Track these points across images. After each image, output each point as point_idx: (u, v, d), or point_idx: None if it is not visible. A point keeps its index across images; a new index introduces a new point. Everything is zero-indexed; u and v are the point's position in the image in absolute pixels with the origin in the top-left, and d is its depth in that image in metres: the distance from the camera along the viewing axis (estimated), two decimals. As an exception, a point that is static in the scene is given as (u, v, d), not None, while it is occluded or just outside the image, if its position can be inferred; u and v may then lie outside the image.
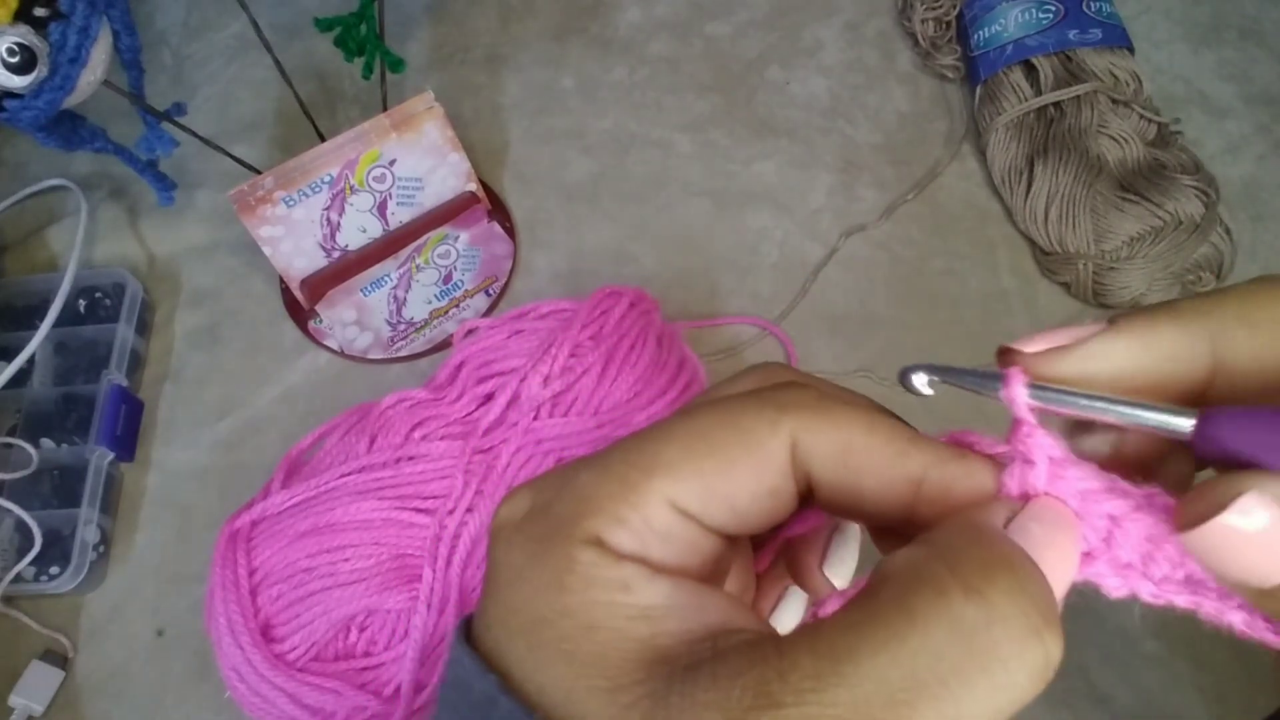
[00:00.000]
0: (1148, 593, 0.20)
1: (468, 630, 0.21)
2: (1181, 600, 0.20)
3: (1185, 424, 0.20)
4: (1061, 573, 0.19)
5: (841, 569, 0.23)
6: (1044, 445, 0.20)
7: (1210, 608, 0.20)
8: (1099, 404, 0.20)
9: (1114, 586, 0.20)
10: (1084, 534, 0.20)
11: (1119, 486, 0.20)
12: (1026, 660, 0.17)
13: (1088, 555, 0.20)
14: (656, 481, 0.20)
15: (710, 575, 0.21)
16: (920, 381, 0.22)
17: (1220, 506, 0.18)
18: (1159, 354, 0.21)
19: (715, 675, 0.17)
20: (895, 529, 0.21)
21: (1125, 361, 0.21)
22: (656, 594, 0.19)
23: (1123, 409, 0.20)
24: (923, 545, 0.19)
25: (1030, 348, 0.21)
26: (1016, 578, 0.18)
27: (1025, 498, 0.20)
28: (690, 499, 0.20)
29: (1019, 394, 0.20)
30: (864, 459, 0.20)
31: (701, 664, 0.18)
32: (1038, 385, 0.21)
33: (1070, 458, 0.20)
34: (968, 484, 0.20)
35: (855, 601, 0.18)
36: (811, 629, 0.18)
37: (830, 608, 0.19)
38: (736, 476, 0.20)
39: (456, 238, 0.56)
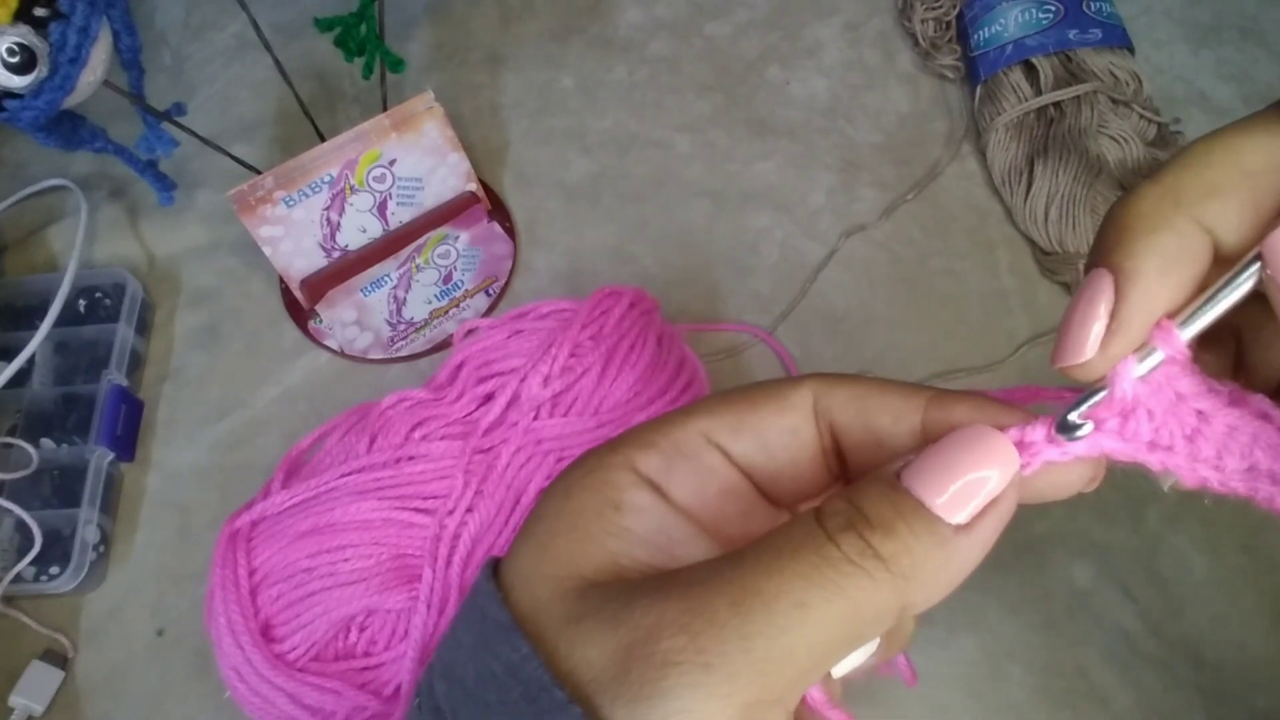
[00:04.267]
0: (1216, 481, 0.23)
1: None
2: (1241, 487, 0.22)
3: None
4: (960, 491, 0.21)
5: (845, 664, 0.25)
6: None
7: (1264, 493, 0.22)
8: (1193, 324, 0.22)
9: (1187, 475, 0.23)
10: (1171, 429, 0.22)
11: (1212, 386, 0.22)
12: (854, 548, 0.21)
13: (1168, 449, 0.23)
14: (693, 419, 0.24)
15: (720, 526, 0.24)
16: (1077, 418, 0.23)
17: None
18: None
19: (630, 595, 0.21)
20: None
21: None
22: (640, 523, 0.22)
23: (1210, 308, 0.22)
24: (810, 510, 0.22)
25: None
26: (862, 536, 0.21)
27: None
28: (721, 431, 0.23)
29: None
30: (877, 400, 0.24)
31: (634, 587, 0.21)
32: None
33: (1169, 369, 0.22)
34: (963, 406, 0.23)
35: (755, 539, 0.22)
36: (707, 563, 0.21)
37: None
38: (762, 414, 0.24)
39: (456, 238, 0.56)
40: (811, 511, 0.22)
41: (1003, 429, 0.22)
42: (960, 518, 0.21)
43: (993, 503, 0.22)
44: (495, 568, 0.23)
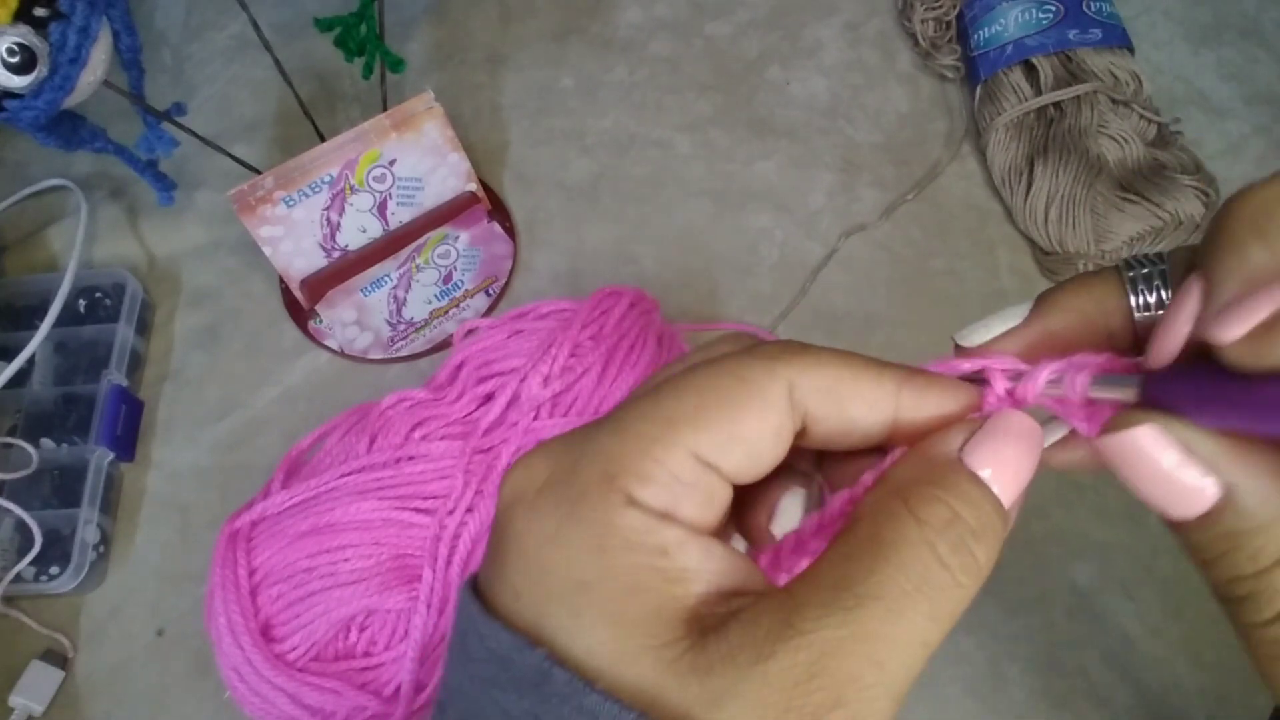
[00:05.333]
0: (1033, 395, 0.23)
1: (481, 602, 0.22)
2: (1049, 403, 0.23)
3: (1129, 393, 0.22)
4: (1010, 477, 0.22)
5: (787, 526, 0.25)
6: (998, 362, 0.23)
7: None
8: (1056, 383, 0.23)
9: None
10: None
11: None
12: (962, 565, 0.20)
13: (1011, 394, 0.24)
14: (679, 434, 0.21)
15: (722, 528, 0.23)
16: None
17: (1130, 426, 0.21)
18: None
19: (742, 622, 0.20)
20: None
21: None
22: (691, 557, 0.21)
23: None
24: (885, 485, 0.22)
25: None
26: (949, 505, 0.21)
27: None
28: (711, 448, 0.21)
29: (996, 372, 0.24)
30: (849, 387, 0.23)
31: (729, 616, 0.20)
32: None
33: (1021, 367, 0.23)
34: (935, 397, 0.23)
35: (837, 542, 0.21)
36: (809, 573, 0.21)
37: (789, 548, 0.23)
38: (747, 421, 0.22)
39: (456, 238, 0.56)
40: (911, 529, 0.21)
41: (976, 407, 0.23)
42: (1009, 503, 0.22)
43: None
44: (534, 653, 0.20)
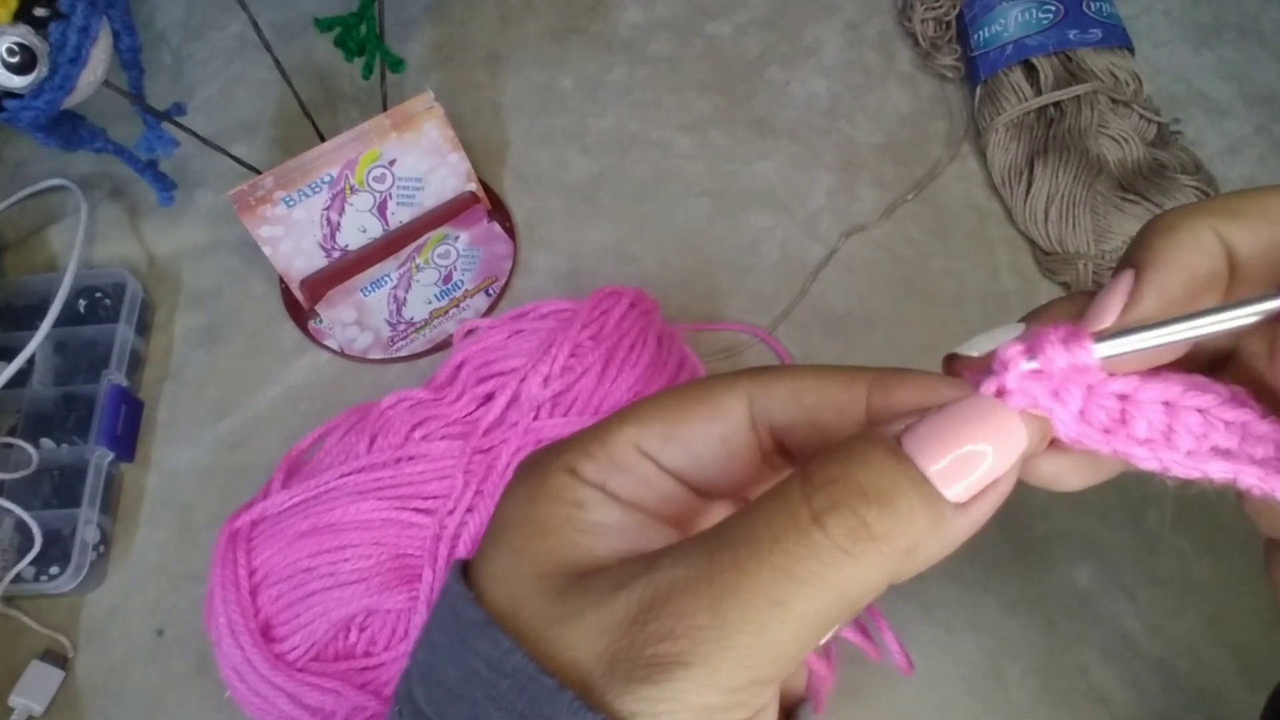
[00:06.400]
0: (1176, 464, 0.22)
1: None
2: (1216, 471, 0.22)
3: (1273, 304, 0.22)
4: (963, 463, 0.21)
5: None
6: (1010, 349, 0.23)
7: (1231, 473, 0.22)
8: (1181, 325, 0.22)
9: (1142, 459, 0.23)
10: (1094, 414, 0.23)
11: (1159, 379, 0.23)
12: (844, 528, 0.20)
13: (1106, 433, 0.22)
14: (625, 427, 0.24)
15: (671, 519, 0.24)
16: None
17: None
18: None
19: (622, 563, 0.22)
20: None
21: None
22: (606, 515, 0.23)
23: (1203, 321, 0.22)
24: (799, 470, 0.21)
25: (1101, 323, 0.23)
26: (842, 465, 0.21)
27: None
28: (650, 441, 0.24)
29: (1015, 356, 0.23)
30: (815, 396, 0.24)
31: (615, 578, 0.21)
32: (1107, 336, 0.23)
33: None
34: (905, 390, 0.23)
35: (736, 513, 0.21)
36: (695, 535, 0.22)
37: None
38: (691, 423, 0.24)
39: (456, 238, 0.56)
40: (794, 485, 0.21)
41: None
42: (958, 494, 0.21)
43: (994, 483, 0.21)
44: (464, 570, 0.24)
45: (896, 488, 0.20)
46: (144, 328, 0.56)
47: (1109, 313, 0.23)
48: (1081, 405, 0.22)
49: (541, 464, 0.24)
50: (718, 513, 0.26)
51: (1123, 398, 0.23)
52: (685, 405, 0.24)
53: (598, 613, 0.20)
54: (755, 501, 0.21)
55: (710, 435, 0.24)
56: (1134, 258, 0.24)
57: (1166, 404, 0.22)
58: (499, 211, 0.59)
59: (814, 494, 0.20)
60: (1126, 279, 0.23)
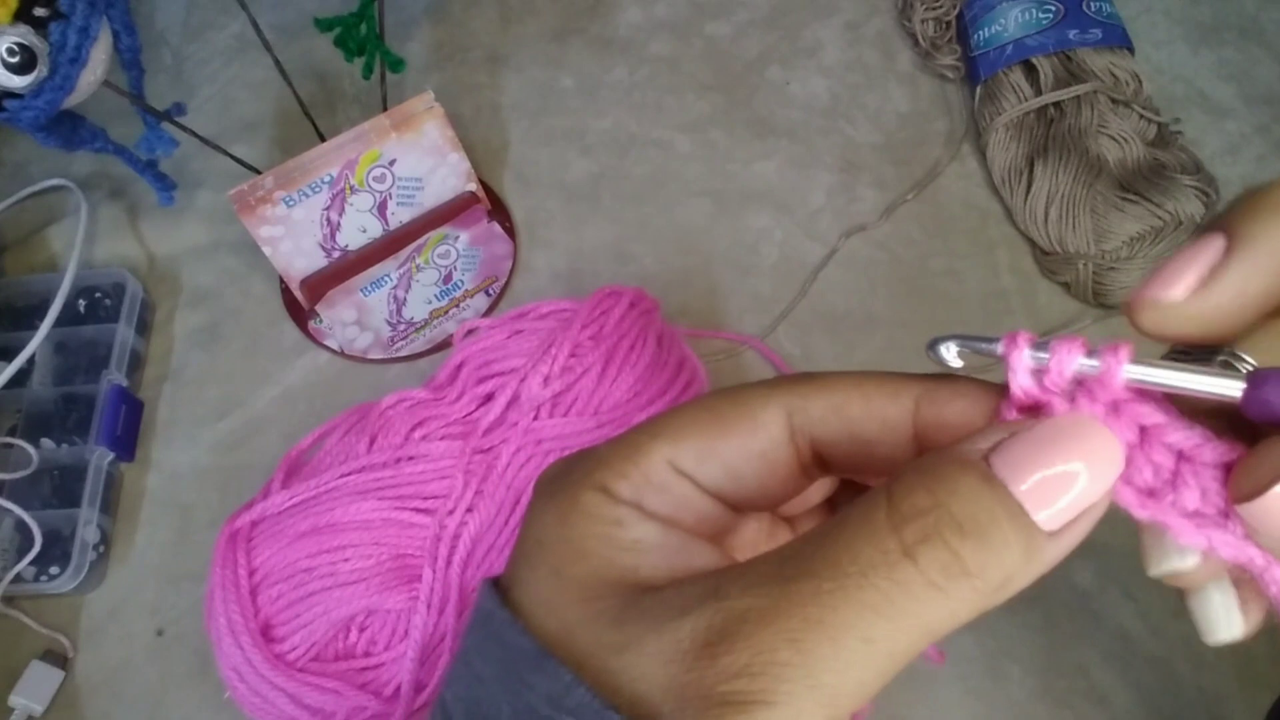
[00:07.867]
0: (1223, 544, 0.19)
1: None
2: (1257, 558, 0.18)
3: (1233, 387, 0.18)
4: (1054, 489, 0.19)
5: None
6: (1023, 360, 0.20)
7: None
8: (1145, 370, 0.19)
9: (1182, 531, 0.19)
10: (1143, 470, 0.19)
11: (1182, 422, 0.19)
12: (937, 562, 0.18)
13: (1149, 495, 0.19)
14: (658, 444, 0.22)
15: (707, 535, 0.23)
16: (949, 354, 0.22)
17: (1277, 475, 0.18)
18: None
19: (677, 585, 0.20)
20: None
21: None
22: (645, 532, 0.22)
23: (1167, 374, 0.19)
24: (881, 493, 0.19)
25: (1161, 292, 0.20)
26: (932, 493, 0.19)
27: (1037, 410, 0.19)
28: (686, 459, 0.22)
29: (1021, 358, 0.21)
30: (858, 408, 0.22)
31: (672, 582, 0.20)
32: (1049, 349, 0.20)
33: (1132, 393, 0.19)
34: (959, 402, 0.21)
35: (808, 536, 0.20)
36: (767, 552, 0.20)
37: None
38: (729, 439, 0.22)
39: (456, 238, 0.56)
40: (878, 512, 0.19)
41: (1001, 417, 0.21)
42: (1049, 520, 0.19)
43: (1088, 508, 0.20)
44: (498, 590, 0.22)
45: (992, 519, 0.19)
46: (144, 328, 0.56)
47: (1184, 278, 0.20)
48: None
49: (569, 482, 0.22)
50: (751, 526, 0.26)
51: (1181, 455, 0.19)
52: (721, 421, 0.22)
53: (660, 641, 0.19)
54: (831, 526, 0.20)
55: (749, 452, 0.22)
56: (1228, 224, 0.20)
57: (1224, 466, 0.18)
58: (499, 211, 0.59)
59: (903, 525, 0.19)
60: (1215, 244, 0.20)
